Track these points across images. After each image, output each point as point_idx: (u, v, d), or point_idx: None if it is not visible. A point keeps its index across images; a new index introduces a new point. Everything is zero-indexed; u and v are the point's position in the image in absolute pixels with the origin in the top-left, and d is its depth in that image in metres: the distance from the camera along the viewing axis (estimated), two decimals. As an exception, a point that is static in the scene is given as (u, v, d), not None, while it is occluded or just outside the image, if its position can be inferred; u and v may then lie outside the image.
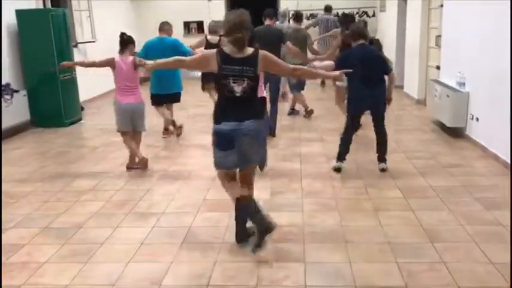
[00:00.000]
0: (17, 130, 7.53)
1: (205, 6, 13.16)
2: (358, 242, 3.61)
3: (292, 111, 8.27)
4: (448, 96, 6.46)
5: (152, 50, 6.43)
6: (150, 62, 3.92)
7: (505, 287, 2.98)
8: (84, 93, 9.34)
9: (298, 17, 8.08)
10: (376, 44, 6.60)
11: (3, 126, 7.16)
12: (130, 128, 5.38)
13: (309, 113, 8.00)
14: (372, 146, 6.21)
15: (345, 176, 5.10)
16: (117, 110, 5.33)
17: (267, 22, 6.70)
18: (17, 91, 7.53)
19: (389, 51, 11.13)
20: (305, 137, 6.79)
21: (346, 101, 5.55)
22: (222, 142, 3.35)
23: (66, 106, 8.10)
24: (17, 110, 7.52)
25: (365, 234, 3.73)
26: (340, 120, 7.62)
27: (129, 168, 5.51)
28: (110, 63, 5.19)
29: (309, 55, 7.55)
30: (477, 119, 6.01)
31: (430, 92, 7.50)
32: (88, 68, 5.87)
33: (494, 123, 5.49)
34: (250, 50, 3.28)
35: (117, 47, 5.25)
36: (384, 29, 11.81)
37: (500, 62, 5.28)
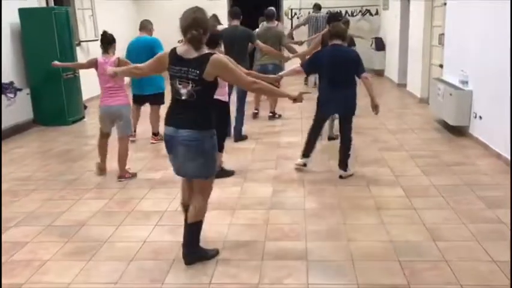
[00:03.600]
0: (20, 128, 7.55)
1: (208, 5, 13.15)
2: (360, 240, 3.61)
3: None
4: (451, 94, 6.44)
5: (130, 51, 6.32)
6: (110, 69, 3.86)
7: (508, 285, 2.97)
8: (87, 91, 9.36)
9: (268, 15, 7.68)
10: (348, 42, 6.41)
11: (7, 124, 7.19)
12: (110, 130, 5.22)
13: (273, 116, 7.86)
14: (375, 145, 6.22)
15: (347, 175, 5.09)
16: (99, 112, 5.15)
17: (234, 23, 6.60)
18: (20, 89, 7.54)
19: (392, 50, 11.16)
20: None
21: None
22: (166, 145, 3.20)
23: (69, 104, 8.13)
24: (20, 108, 7.53)
25: (367, 233, 3.73)
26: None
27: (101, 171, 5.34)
28: (92, 63, 5.09)
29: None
30: (480, 118, 5.99)
31: (433, 90, 7.48)
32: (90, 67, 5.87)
33: (497, 121, 5.47)
34: (203, 52, 3.02)
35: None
36: (387, 28, 11.80)
37: (503, 60, 5.26)
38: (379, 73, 12.11)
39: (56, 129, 7.75)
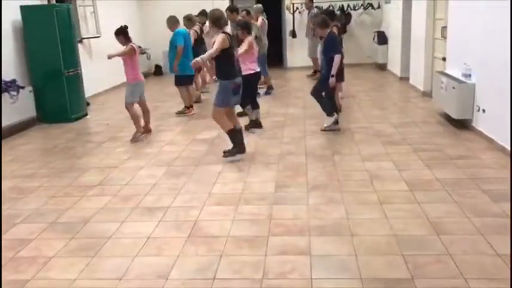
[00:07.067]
0: (24, 126, 7.58)
1: (209, 1, 13.10)
2: (363, 234, 3.61)
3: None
4: (454, 87, 6.42)
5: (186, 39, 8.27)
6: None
7: (512, 279, 2.97)
8: (90, 88, 9.37)
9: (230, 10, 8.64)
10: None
11: (11, 122, 7.22)
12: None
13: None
14: (378, 138, 6.21)
15: (350, 169, 5.09)
16: (142, 86, 6.72)
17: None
18: (22, 87, 7.55)
19: (394, 43, 11.11)
20: (310, 129, 6.77)
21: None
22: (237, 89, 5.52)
23: (71, 102, 8.14)
24: (23, 106, 7.54)
25: (371, 227, 3.73)
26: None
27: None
28: (134, 49, 6.50)
29: None
30: (483, 111, 5.97)
31: (436, 83, 7.45)
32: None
33: (501, 114, 5.45)
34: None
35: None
36: (389, 21, 11.74)
37: (506, 52, 5.24)
38: (382, 67, 12.07)
39: (59, 126, 7.76)
